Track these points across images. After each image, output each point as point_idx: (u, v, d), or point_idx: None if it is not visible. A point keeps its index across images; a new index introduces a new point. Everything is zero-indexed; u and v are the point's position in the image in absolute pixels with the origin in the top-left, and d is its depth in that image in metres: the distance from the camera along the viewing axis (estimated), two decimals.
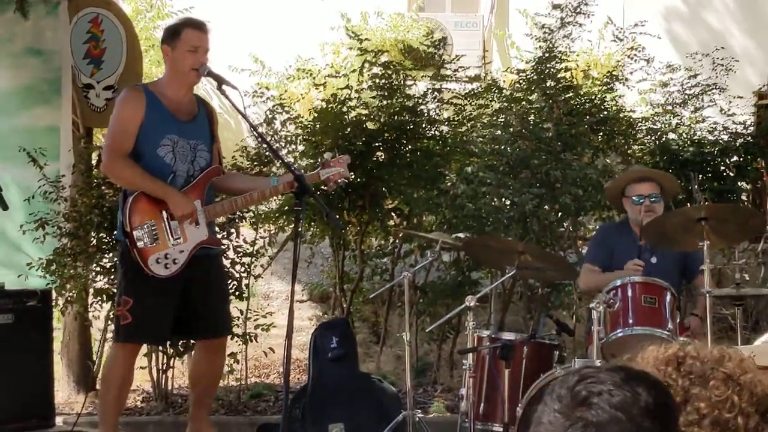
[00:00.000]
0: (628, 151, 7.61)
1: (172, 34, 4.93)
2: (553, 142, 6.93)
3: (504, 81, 8.18)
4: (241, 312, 6.49)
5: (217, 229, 5.54)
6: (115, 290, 5.92)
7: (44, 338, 5.94)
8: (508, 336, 4.98)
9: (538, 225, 6.83)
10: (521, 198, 6.64)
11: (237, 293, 6.34)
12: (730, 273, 5.75)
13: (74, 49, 6.71)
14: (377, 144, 7.13)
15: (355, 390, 5.74)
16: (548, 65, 7.31)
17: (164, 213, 4.85)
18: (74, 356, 6.75)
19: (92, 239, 6.23)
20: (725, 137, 7.54)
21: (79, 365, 6.74)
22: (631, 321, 4.82)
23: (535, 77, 7.34)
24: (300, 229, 4.75)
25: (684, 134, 7.59)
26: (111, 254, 6.18)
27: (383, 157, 7.15)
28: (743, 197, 7.63)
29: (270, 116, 7.17)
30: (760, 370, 1.82)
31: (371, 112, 7.16)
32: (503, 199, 6.93)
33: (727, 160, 7.49)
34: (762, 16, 11.45)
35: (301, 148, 7.19)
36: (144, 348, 5.75)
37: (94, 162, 6.57)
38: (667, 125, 7.68)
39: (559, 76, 7.35)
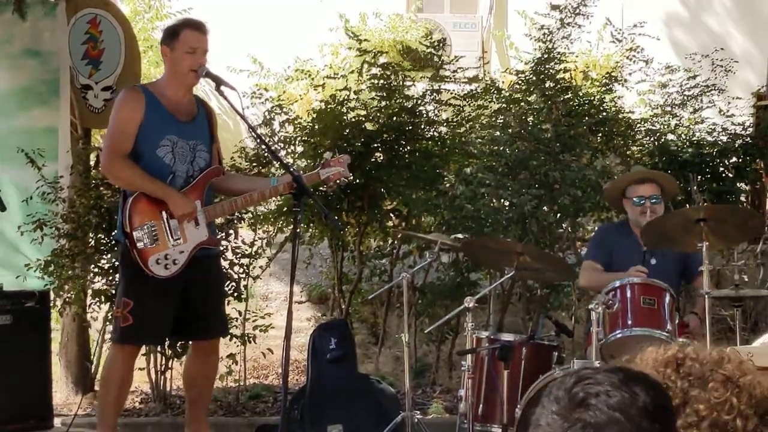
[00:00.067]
0: (627, 152, 7.61)
1: (171, 35, 4.93)
2: (551, 143, 6.92)
3: (503, 82, 8.17)
4: (240, 313, 6.49)
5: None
6: (113, 291, 5.92)
7: (42, 339, 5.94)
8: (507, 337, 4.97)
9: (537, 226, 6.83)
10: (520, 199, 6.63)
11: (235, 294, 6.33)
12: (729, 274, 5.73)
13: (72, 50, 6.70)
14: (376, 145, 7.12)
15: (353, 391, 5.74)
16: (547, 66, 7.31)
17: (164, 214, 4.84)
18: (72, 357, 6.74)
19: (90, 240, 6.22)
20: (724, 138, 7.53)
21: (78, 366, 6.73)
22: (630, 322, 4.81)
23: (533, 78, 7.33)
24: (298, 230, 4.74)
25: (683, 135, 7.59)
26: (109, 255, 6.18)
27: (382, 158, 7.14)
28: (742, 198, 7.62)
29: (268, 117, 7.16)
30: (759, 372, 1.82)
31: (370, 113, 7.15)
32: (502, 200, 6.93)
33: (726, 161, 7.49)
34: (761, 17, 11.45)
35: (299, 149, 7.18)
36: (143, 349, 5.74)
37: (92, 163, 6.56)
38: (666, 126, 7.67)
39: (558, 77, 7.34)
